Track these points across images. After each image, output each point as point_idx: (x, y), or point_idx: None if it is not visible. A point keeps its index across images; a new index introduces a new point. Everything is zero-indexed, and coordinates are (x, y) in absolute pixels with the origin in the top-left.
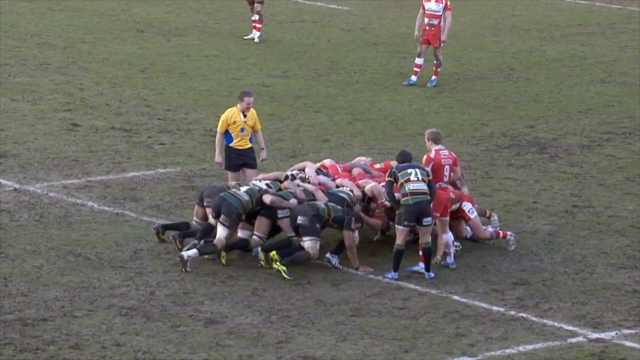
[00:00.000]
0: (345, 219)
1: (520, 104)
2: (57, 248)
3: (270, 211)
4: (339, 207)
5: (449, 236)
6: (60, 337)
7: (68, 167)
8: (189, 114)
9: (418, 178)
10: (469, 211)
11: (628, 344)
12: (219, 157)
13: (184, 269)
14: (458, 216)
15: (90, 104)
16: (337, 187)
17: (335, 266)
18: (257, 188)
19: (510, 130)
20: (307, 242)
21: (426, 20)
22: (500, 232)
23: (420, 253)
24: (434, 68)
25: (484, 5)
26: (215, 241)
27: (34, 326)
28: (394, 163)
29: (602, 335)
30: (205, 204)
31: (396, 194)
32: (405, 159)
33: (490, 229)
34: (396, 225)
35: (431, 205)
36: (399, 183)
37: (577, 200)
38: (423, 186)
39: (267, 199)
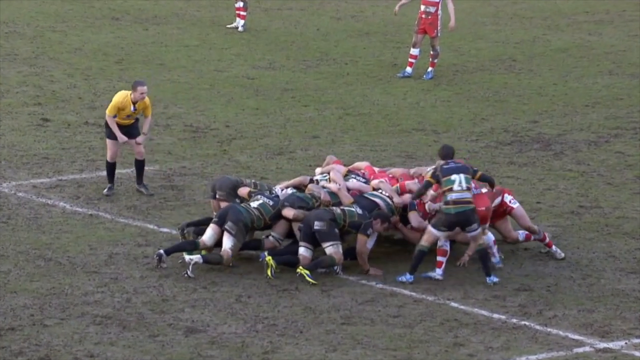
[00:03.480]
0: (363, 223)
1: (523, 97)
2: (26, 252)
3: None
4: (357, 212)
5: (489, 237)
6: (30, 347)
7: (38, 165)
8: (168, 108)
9: (462, 187)
10: (510, 202)
11: (638, 354)
12: (122, 137)
13: (185, 274)
14: (502, 212)
15: (62, 98)
16: (374, 189)
17: (337, 272)
18: (271, 203)
19: (512, 126)
20: (329, 248)
21: (422, 7)
22: (547, 236)
23: (438, 258)
24: (431, 59)
25: None
26: (221, 252)
27: (1, 336)
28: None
29: (611, 345)
30: (217, 196)
31: (431, 192)
32: (447, 153)
33: (522, 233)
34: (429, 227)
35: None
36: (441, 189)
37: (584, 201)
38: (467, 195)
39: (289, 213)
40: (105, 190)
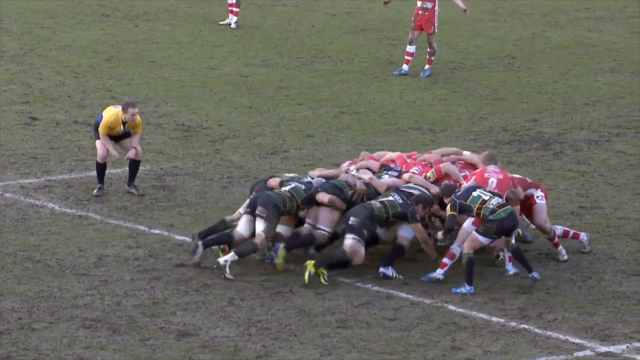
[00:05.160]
0: (408, 212)
1: (522, 95)
2: (14, 254)
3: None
4: (398, 201)
5: (457, 248)
6: (17, 352)
7: (26, 165)
8: (159, 106)
9: (490, 195)
10: (537, 197)
11: None
12: (115, 155)
13: (224, 276)
14: (527, 205)
15: (50, 96)
16: (407, 182)
17: (395, 277)
18: (304, 187)
19: (511, 125)
20: (348, 240)
21: (419, 3)
22: (571, 231)
23: (444, 260)
24: (428, 56)
25: None
26: (255, 239)
27: None
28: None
29: (612, 349)
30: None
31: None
32: (449, 192)
33: (559, 228)
34: (475, 234)
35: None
36: (474, 209)
37: (584, 201)
38: (501, 199)
39: (324, 198)
40: (95, 191)
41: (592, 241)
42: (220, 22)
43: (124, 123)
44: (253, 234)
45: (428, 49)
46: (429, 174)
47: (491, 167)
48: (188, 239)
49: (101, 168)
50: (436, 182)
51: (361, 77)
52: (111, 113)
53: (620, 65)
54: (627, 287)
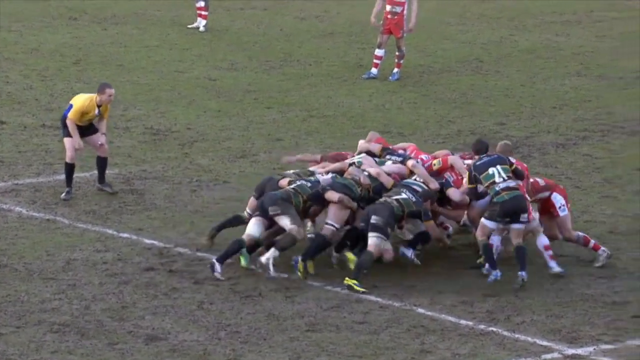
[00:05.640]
0: (422, 210)
1: (490, 99)
2: None
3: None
4: (412, 199)
5: (496, 239)
6: None
7: None
8: (128, 110)
9: (504, 177)
10: (559, 208)
11: None
12: (80, 144)
13: (268, 275)
14: (546, 209)
15: (18, 99)
16: (410, 172)
17: (412, 259)
18: (309, 184)
19: (479, 128)
20: (373, 239)
21: (388, 7)
22: (592, 241)
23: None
24: (396, 60)
25: None
26: (289, 232)
27: None
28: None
29: (579, 351)
30: (270, 212)
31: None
32: (480, 148)
33: (580, 233)
34: (483, 219)
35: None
36: (484, 185)
37: None
38: (512, 183)
39: (334, 196)
40: (63, 194)
41: (560, 244)
42: (189, 26)
43: (98, 106)
44: (266, 235)
45: (397, 53)
46: (435, 161)
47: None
48: (157, 243)
49: (70, 169)
50: (438, 173)
51: (330, 80)
52: (84, 98)
53: (587, 69)
54: (595, 290)
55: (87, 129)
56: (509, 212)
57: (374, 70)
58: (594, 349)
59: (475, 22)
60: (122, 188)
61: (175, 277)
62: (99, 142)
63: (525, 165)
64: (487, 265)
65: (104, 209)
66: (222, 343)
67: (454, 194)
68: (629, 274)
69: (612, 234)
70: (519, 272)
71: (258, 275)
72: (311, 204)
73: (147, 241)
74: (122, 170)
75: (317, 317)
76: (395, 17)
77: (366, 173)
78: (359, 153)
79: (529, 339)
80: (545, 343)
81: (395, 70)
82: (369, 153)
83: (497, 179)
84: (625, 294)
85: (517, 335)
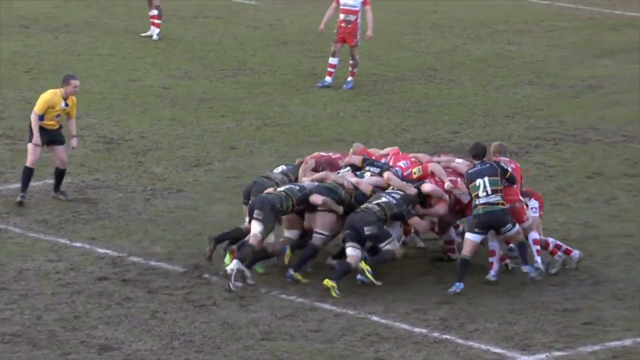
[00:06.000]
0: (403, 212)
1: (444, 107)
2: None
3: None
4: (392, 202)
5: (495, 244)
6: None
7: None
8: (81, 119)
9: (487, 192)
10: (531, 209)
11: None
12: (37, 139)
13: (229, 286)
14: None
15: None
16: (386, 182)
17: (372, 282)
18: (298, 188)
19: (432, 137)
20: (388, 246)
21: (342, 16)
22: (563, 245)
23: (490, 259)
24: (350, 68)
25: (404, 1)
26: (250, 241)
27: None
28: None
29: (532, 358)
30: (245, 202)
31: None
32: (478, 153)
33: (551, 239)
34: (466, 234)
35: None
36: (472, 194)
37: None
38: (495, 198)
39: (318, 199)
40: (19, 197)
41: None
42: (142, 34)
43: (64, 99)
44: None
45: (350, 61)
46: (415, 169)
47: (503, 159)
48: (110, 252)
49: (28, 174)
50: (419, 179)
51: (284, 89)
52: (48, 92)
53: (538, 77)
54: (547, 297)
55: (54, 136)
56: (485, 225)
57: (328, 79)
58: (547, 355)
59: (428, 31)
60: (76, 197)
61: (129, 287)
62: (62, 157)
63: (517, 164)
64: (491, 272)
65: (57, 218)
66: (176, 352)
67: (417, 223)
68: (580, 281)
69: (564, 241)
70: (522, 267)
71: (212, 284)
72: (299, 208)
73: (100, 250)
74: (75, 180)
75: (272, 325)
76: (349, 25)
77: (347, 180)
78: (345, 166)
79: (482, 346)
80: (498, 350)
81: (349, 78)
82: (352, 166)
83: (480, 193)
84: (577, 301)
85: (470, 343)
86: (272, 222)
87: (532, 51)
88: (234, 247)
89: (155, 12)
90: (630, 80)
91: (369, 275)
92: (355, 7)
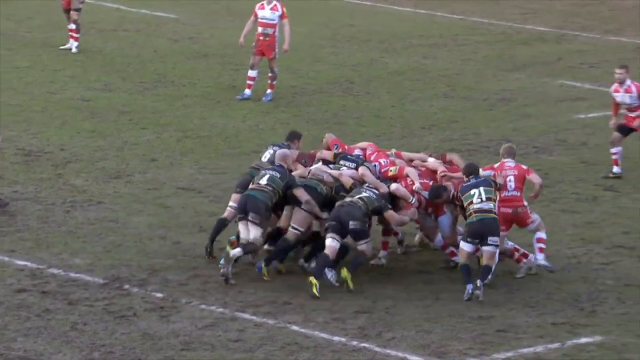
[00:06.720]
0: (381, 205)
1: (361, 119)
2: None
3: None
4: (373, 196)
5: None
6: None
7: None
8: None
9: (482, 198)
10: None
11: None
12: None
13: (224, 276)
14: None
15: None
16: (361, 176)
17: (333, 283)
18: (279, 176)
19: None
20: (363, 246)
21: (260, 29)
22: (520, 251)
23: (515, 256)
24: (269, 81)
25: (321, 14)
26: (254, 241)
27: None
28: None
29: None
30: (238, 190)
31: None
32: (471, 172)
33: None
34: (461, 243)
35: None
36: (465, 205)
37: None
38: (488, 205)
39: (303, 196)
40: None
41: (428, 262)
42: (61, 47)
43: None
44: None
45: (269, 74)
46: (392, 168)
47: (508, 163)
48: (29, 264)
49: None
50: (393, 178)
51: (204, 101)
52: None
53: (453, 90)
54: (461, 306)
55: None
56: (477, 234)
57: (247, 91)
58: None
59: (345, 44)
60: None
61: (48, 298)
62: None
63: (525, 167)
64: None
65: None
66: None
67: (392, 217)
68: (494, 289)
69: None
70: (477, 281)
71: (132, 295)
72: (285, 198)
73: (20, 262)
74: None
75: (192, 336)
76: (267, 38)
77: (328, 174)
78: (317, 162)
79: (400, 354)
80: (415, 358)
81: (269, 91)
82: (324, 162)
83: (475, 200)
84: (491, 309)
85: (388, 351)
86: (268, 222)
87: (447, 64)
88: (233, 238)
89: (73, 26)
90: (540, 93)
91: (316, 291)
92: (273, 20)
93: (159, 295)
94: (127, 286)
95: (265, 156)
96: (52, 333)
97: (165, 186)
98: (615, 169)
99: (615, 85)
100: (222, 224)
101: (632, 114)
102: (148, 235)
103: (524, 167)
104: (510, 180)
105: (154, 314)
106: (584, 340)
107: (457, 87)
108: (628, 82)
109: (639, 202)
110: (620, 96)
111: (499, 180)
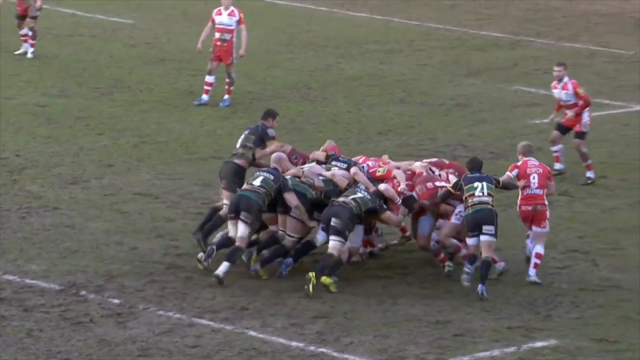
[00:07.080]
0: (376, 205)
1: (319, 125)
2: None
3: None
4: (367, 197)
5: (530, 247)
6: None
7: None
8: None
9: (484, 193)
10: (456, 214)
11: None
12: None
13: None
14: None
15: None
16: (353, 176)
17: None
18: (272, 178)
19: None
20: (332, 242)
21: (217, 35)
22: (463, 250)
23: (534, 260)
24: (227, 86)
25: (278, 19)
26: (238, 243)
27: None
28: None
29: None
30: (222, 186)
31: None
32: (474, 166)
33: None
34: (466, 240)
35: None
36: (464, 196)
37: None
38: (487, 199)
39: (292, 201)
40: None
41: (387, 267)
42: (16, 52)
43: None
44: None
45: (227, 80)
46: (380, 169)
47: (532, 162)
48: None
49: None
50: (381, 179)
51: (161, 107)
52: None
53: (409, 95)
54: (419, 310)
55: None
56: (473, 224)
57: (204, 97)
58: None
59: (302, 50)
60: None
61: (4, 305)
62: None
63: (545, 166)
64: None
65: None
66: None
67: (389, 218)
68: (451, 293)
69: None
70: (479, 286)
71: (89, 302)
72: (275, 200)
73: None
74: None
75: (149, 342)
76: (225, 44)
77: (321, 177)
78: (311, 162)
79: (357, 359)
80: None
81: (226, 96)
82: (317, 162)
83: (477, 192)
84: (448, 314)
85: (346, 356)
86: (258, 223)
87: (403, 70)
88: (200, 255)
89: (28, 32)
90: (496, 99)
91: (311, 289)
92: (230, 25)
93: (116, 301)
94: (83, 292)
95: (239, 142)
96: (7, 340)
97: (122, 192)
98: (589, 174)
99: (554, 82)
100: (220, 220)
101: (568, 111)
102: (105, 241)
103: (547, 167)
104: (534, 178)
105: (110, 320)
106: (539, 344)
107: (413, 92)
108: (565, 79)
109: (593, 207)
110: (557, 92)
111: (520, 184)
